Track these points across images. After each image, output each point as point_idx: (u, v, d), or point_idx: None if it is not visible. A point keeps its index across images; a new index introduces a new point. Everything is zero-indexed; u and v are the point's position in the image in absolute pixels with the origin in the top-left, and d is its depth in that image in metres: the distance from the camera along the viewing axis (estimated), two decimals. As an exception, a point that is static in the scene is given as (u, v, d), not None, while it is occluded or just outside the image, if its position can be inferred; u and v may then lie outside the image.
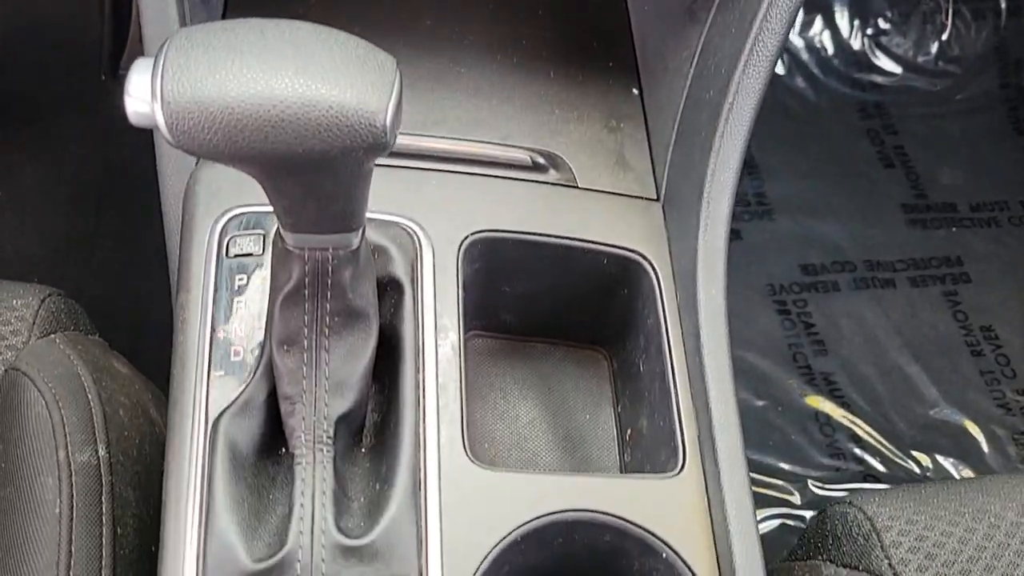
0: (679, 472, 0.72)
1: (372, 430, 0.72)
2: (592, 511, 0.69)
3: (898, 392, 1.58)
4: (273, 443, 0.69)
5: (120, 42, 1.36)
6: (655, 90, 0.93)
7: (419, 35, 0.95)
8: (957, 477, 1.49)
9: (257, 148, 0.51)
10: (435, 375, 0.72)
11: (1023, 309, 1.69)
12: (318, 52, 0.50)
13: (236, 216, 0.77)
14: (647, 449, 0.80)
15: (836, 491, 1.47)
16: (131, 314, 1.20)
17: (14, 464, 0.74)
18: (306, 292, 0.65)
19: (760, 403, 1.54)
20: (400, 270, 0.75)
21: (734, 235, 1.73)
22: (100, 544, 0.72)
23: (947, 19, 1.92)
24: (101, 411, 0.79)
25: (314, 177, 0.56)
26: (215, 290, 0.74)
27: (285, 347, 0.66)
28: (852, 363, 1.60)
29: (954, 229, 1.79)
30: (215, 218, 0.77)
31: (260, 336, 0.72)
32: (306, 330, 0.66)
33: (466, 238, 0.79)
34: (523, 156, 0.86)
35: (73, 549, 0.70)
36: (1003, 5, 1.92)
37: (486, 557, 0.66)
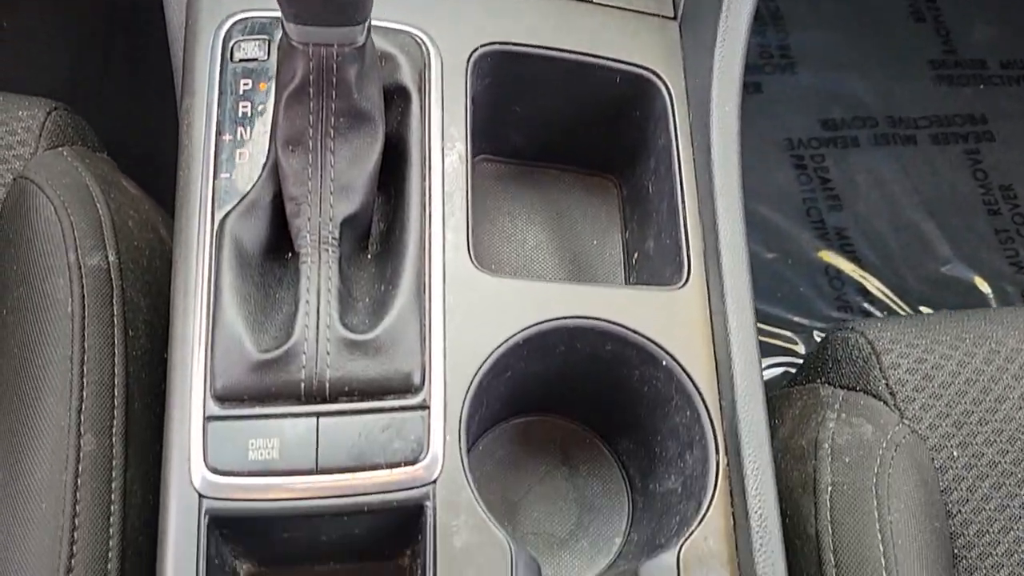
0: (683, 285, 0.72)
1: (378, 238, 0.72)
2: (595, 318, 0.70)
3: (911, 248, 1.57)
4: (279, 245, 0.69)
5: None
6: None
7: None
8: (963, 332, 1.50)
9: None
10: (441, 183, 0.72)
11: (1046, 169, 1.66)
12: None
13: (240, 20, 0.75)
14: (653, 268, 0.80)
15: (841, 342, 1.48)
16: (142, 143, 1.19)
17: (25, 265, 0.75)
18: (311, 91, 0.64)
19: (771, 255, 1.54)
20: (407, 78, 0.74)
21: (754, 88, 1.70)
22: (112, 343, 0.74)
23: None
24: (110, 219, 0.79)
25: None
26: (220, 94, 0.72)
27: (290, 147, 0.66)
28: (866, 219, 1.59)
29: (981, 87, 1.74)
30: (219, 22, 0.75)
31: (265, 140, 0.71)
32: (311, 130, 0.66)
33: (476, 50, 0.77)
34: (536, -33, 0.83)
35: (86, 346, 0.72)
36: None
37: (488, 357, 0.67)
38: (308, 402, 0.63)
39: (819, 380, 0.83)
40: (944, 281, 1.55)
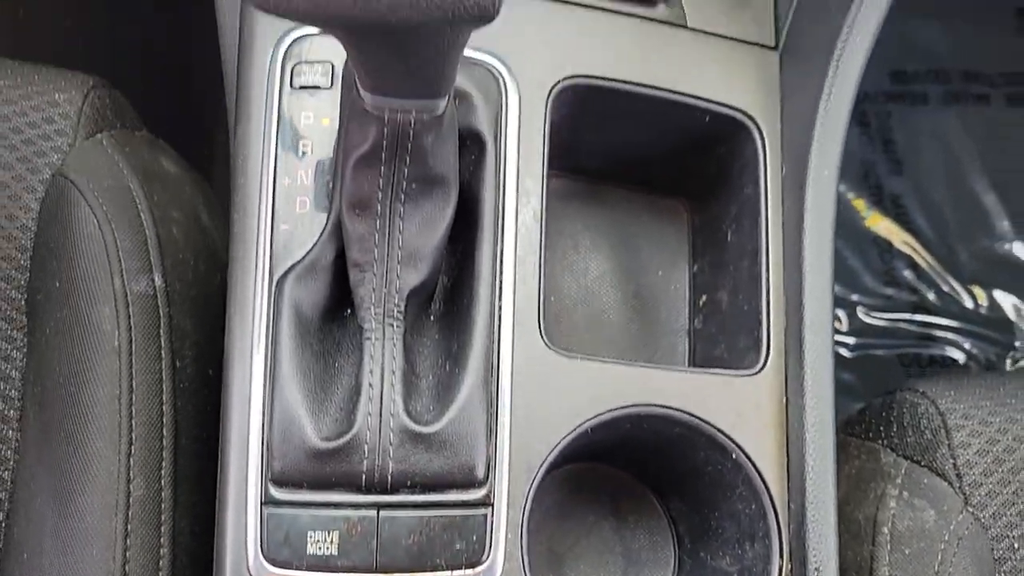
0: (760, 371, 0.69)
1: (441, 295, 0.68)
2: (665, 407, 0.66)
3: (967, 222, 1.51)
4: (338, 306, 0.65)
5: None
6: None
7: None
8: (1012, 316, 1.46)
9: (344, 12, 0.43)
10: (514, 247, 0.67)
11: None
12: None
13: (300, 38, 0.68)
14: (725, 327, 0.76)
15: (883, 320, 1.45)
16: (178, 107, 1.11)
17: (68, 284, 0.71)
18: (383, 155, 0.58)
19: (822, 222, 1.48)
20: (483, 122, 0.67)
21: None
22: (160, 379, 0.71)
23: None
24: (155, 233, 0.75)
25: (405, 45, 0.48)
26: (278, 127, 0.67)
27: (356, 211, 0.61)
28: (925, 187, 1.52)
29: (1069, 44, 1.62)
30: (277, 38, 0.68)
31: (328, 188, 0.66)
32: (380, 194, 0.60)
33: (558, 83, 0.71)
34: (629, -15, 0.74)
35: (134, 384, 0.69)
36: None
37: (555, 447, 0.65)
38: (368, 491, 0.61)
39: (880, 441, 0.80)
40: (998, 258, 1.50)
